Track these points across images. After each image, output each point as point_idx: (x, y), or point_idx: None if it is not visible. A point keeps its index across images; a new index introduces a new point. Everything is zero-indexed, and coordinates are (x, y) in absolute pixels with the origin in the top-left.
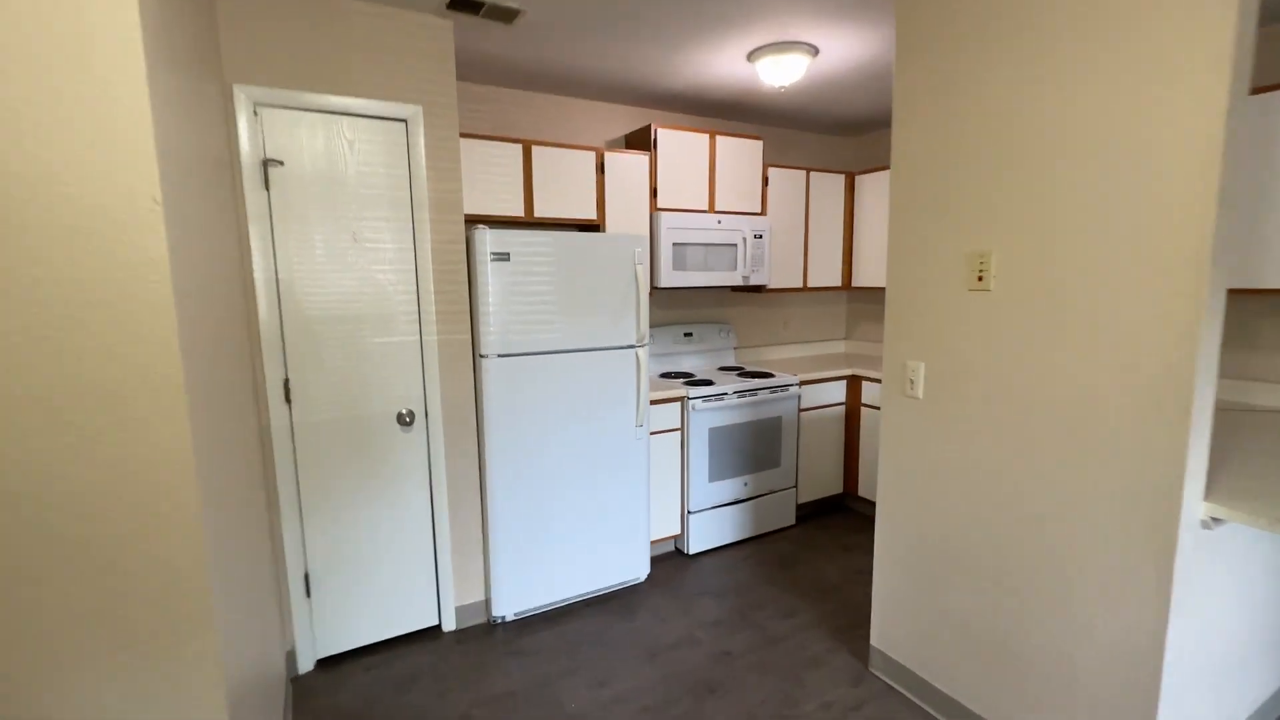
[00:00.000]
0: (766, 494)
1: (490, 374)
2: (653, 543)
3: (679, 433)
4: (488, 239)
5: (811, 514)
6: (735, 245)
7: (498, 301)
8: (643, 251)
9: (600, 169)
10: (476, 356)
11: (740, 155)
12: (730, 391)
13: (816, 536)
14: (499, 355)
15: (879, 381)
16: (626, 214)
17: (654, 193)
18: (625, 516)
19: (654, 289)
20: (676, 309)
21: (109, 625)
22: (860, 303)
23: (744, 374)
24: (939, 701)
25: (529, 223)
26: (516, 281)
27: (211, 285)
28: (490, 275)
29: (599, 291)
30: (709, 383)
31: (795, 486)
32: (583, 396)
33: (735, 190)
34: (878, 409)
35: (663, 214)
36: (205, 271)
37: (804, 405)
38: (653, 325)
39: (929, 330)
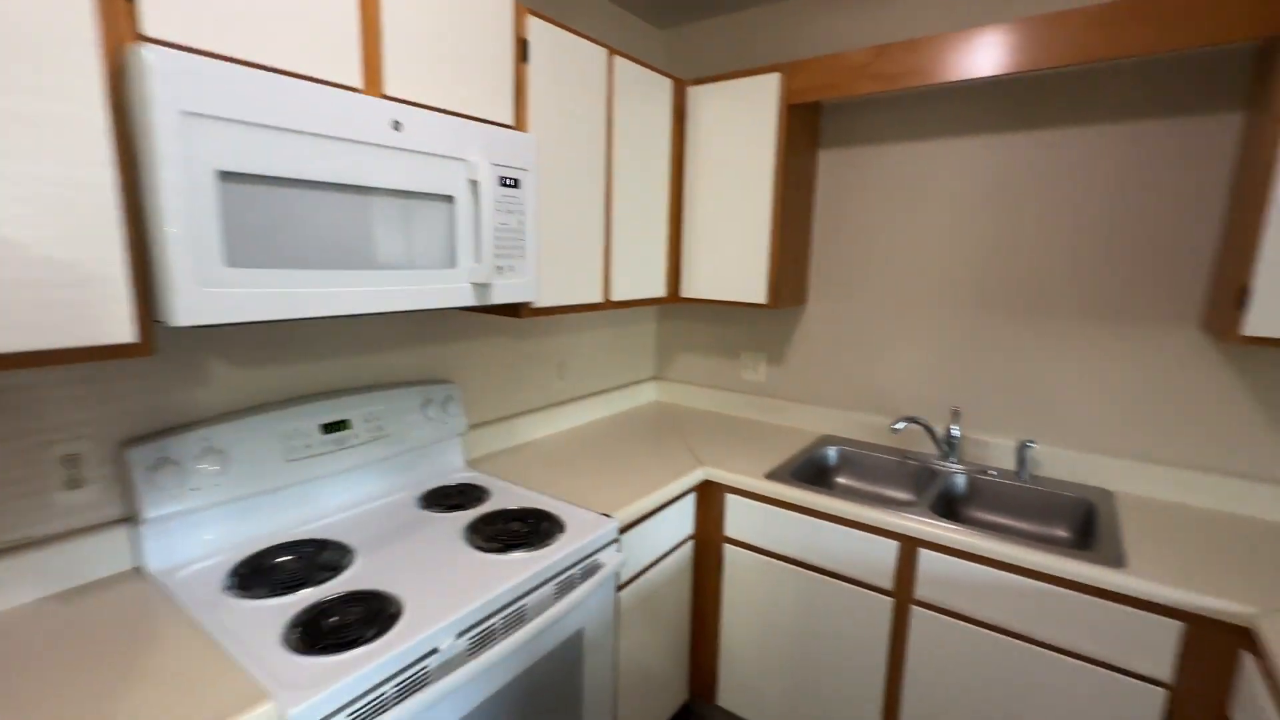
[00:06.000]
0: None
1: None
2: None
3: None
4: None
5: None
6: (450, 199)
7: None
8: None
9: None
10: None
11: None
12: (434, 650)
13: None
14: None
15: (748, 496)
16: None
17: None
18: None
19: (156, 324)
20: (291, 362)
21: None
22: (683, 319)
23: (485, 526)
24: None
25: None
26: None
27: None
28: None
29: None
30: (382, 613)
31: None
32: None
33: (446, 52)
34: (744, 545)
35: (156, 56)
36: None
37: (627, 575)
38: (234, 415)
39: None
